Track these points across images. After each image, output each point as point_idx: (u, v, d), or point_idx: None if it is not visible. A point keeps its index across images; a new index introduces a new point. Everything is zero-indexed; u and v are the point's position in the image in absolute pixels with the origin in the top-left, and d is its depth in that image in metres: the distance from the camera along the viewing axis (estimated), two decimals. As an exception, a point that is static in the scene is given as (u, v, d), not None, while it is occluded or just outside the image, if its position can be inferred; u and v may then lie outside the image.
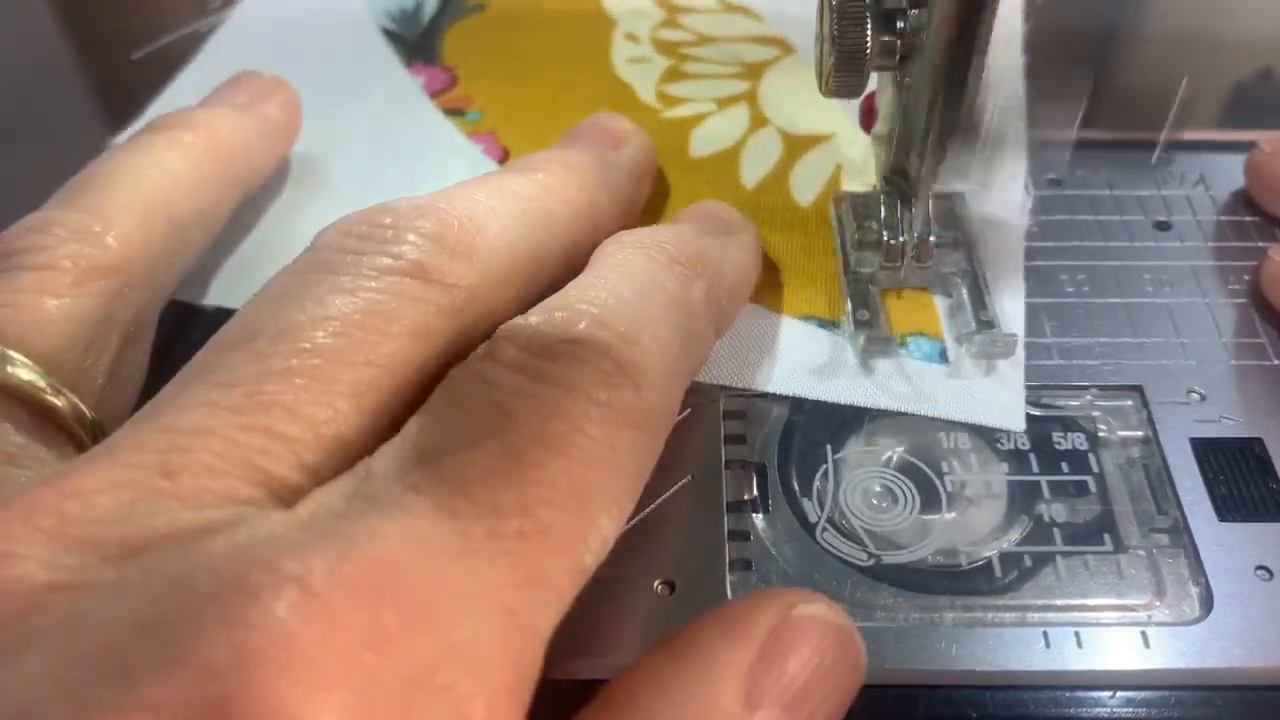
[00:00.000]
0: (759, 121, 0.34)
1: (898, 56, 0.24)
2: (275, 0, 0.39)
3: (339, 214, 0.20)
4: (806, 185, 0.31)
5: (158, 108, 0.34)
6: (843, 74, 0.24)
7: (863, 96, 0.26)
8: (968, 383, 0.25)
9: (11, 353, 0.19)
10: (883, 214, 0.27)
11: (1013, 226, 0.29)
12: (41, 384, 0.19)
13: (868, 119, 0.29)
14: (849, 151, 0.32)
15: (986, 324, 0.26)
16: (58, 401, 0.19)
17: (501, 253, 0.21)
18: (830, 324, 0.27)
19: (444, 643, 0.14)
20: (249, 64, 0.32)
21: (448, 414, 0.17)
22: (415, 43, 0.38)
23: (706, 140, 0.33)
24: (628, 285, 0.20)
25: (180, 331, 0.26)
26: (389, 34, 0.38)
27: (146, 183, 0.23)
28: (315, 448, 0.17)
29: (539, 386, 0.17)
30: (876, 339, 0.25)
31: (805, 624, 0.17)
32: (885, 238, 0.27)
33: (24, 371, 0.19)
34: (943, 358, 0.26)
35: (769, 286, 0.28)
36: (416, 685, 0.13)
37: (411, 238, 0.20)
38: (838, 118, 0.33)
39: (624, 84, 0.35)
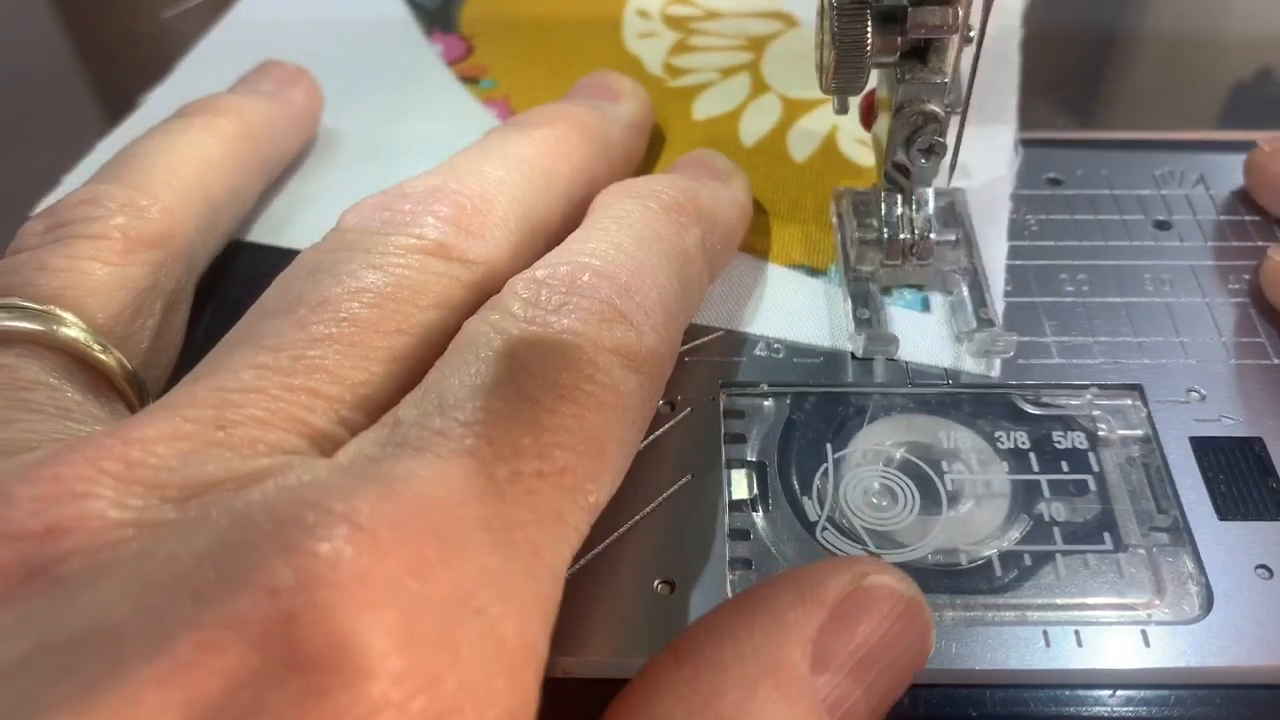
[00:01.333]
0: (760, 88, 0.35)
1: (898, 54, 0.24)
2: None
3: (359, 171, 0.21)
4: (803, 144, 0.33)
5: (188, 64, 0.36)
6: (843, 71, 0.24)
7: (862, 95, 0.26)
8: (949, 329, 0.26)
9: (62, 313, 0.20)
10: (883, 211, 0.27)
11: (999, 179, 0.29)
12: (92, 344, 0.20)
13: (868, 117, 0.29)
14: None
15: (987, 322, 0.26)
16: (108, 360, 0.21)
17: (512, 224, 0.22)
18: (819, 272, 0.28)
19: (477, 571, 0.15)
20: (277, 26, 0.35)
21: (464, 364, 0.18)
22: (434, 12, 0.39)
23: (709, 105, 0.34)
24: (626, 235, 0.21)
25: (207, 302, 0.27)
26: (410, 2, 0.40)
27: (185, 162, 0.25)
28: (353, 406, 0.18)
29: (547, 336, 0.18)
30: (878, 338, 0.25)
31: (876, 592, 0.18)
32: (886, 235, 0.27)
33: (75, 331, 0.20)
34: (925, 306, 0.27)
35: (761, 235, 0.29)
36: (454, 608, 0.15)
37: (430, 220, 0.21)
38: None
39: (632, 57, 0.37)
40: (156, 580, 0.14)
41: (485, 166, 0.23)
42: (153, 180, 0.24)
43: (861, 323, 0.26)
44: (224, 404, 0.17)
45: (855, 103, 0.30)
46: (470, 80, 0.36)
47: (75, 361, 0.20)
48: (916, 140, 0.24)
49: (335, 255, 0.20)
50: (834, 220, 0.29)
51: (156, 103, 0.34)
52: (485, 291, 0.21)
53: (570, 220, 0.23)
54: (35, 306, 0.20)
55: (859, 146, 0.32)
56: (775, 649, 0.17)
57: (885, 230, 0.27)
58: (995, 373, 0.25)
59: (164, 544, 0.14)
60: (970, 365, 0.26)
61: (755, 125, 0.33)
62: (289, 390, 0.17)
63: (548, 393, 0.18)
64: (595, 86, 0.30)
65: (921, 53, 0.24)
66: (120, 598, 0.14)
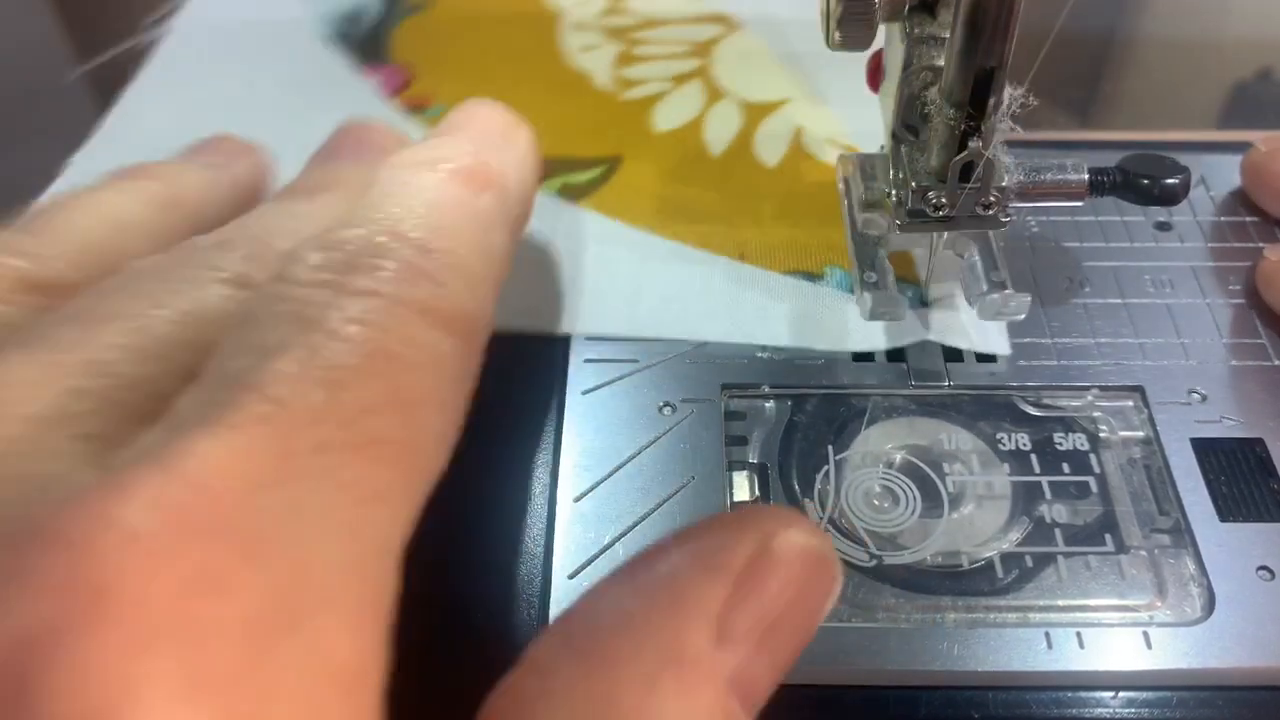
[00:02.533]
0: (716, 95, 0.35)
1: (905, 7, 0.23)
2: (219, 6, 0.39)
3: None
4: (770, 148, 0.33)
5: (111, 125, 0.35)
6: (849, 26, 0.22)
7: (869, 54, 0.25)
8: (954, 315, 0.27)
9: None
10: (891, 173, 0.25)
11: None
12: None
13: (874, 77, 0.28)
14: (807, 115, 0.34)
15: (999, 284, 0.25)
16: None
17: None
18: (815, 277, 0.28)
19: (286, 573, 0.13)
20: (200, 74, 0.34)
21: (248, 335, 0.16)
22: (364, 46, 0.38)
23: (668, 116, 0.34)
24: (417, 200, 0.20)
25: None
26: (337, 38, 0.38)
27: (102, 224, 0.23)
28: (140, 402, 0.16)
29: (342, 298, 0.17)
30: (885, 300, 0.25)
31: (786, 554, 0.16)
32: (894, 196, 0.25)
33: None
34: (921, 302, 0.27)
35: (752, 247, 0.29)
36: (263, 625, 0.12)
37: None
38: (789, 84, 0.35)
39: (579, 73, 0.36)
40: None
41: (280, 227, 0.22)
42: (63, 234, 0.22)
43: (868, 285, 0.25)
44: None
45: (811, 73, 0.29)
46: (416, 109, 0.35)
47: None
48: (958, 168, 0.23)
49: (116, 279, 0.19)
50: (840, 185, 0.28)
51: (82, 164, 0.32)
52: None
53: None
54: None
55: (826, 146, 0.32)
56: (675, 633, 0.15)
57: (893, 192, 0.25)
58: (1006, 351, 0.25)
59: None
60: (981, 346, 0.26)
61: (719, 133, 0.33)
62: (72, 394, 0.16)
63: (345, 354, 0.16)
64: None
65: (930, 6, 0.23)
66: None
